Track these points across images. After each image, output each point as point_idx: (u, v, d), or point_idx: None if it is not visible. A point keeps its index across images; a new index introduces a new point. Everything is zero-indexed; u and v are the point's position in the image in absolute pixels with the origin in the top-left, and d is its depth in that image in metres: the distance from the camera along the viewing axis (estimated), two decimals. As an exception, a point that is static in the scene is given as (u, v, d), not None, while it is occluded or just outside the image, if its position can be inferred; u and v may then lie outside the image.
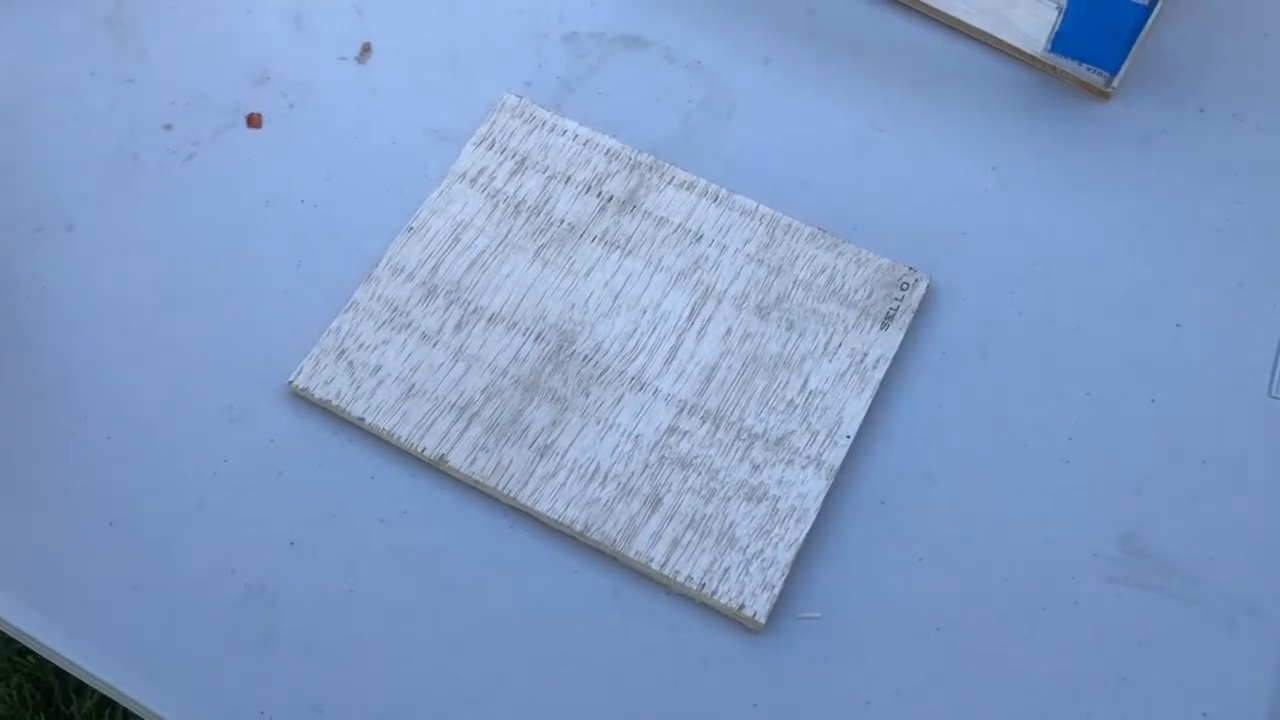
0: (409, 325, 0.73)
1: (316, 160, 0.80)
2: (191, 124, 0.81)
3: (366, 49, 0.85)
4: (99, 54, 0.84)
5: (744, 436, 0.70)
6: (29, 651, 1.23)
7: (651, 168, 0.79)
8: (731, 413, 0.71)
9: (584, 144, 0.80)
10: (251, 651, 0.65)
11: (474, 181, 0.79)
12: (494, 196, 0.78)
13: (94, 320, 0.74)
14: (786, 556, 0.67)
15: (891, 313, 0.74)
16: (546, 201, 0.78)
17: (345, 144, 0.81)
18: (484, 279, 0.75)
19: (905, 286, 0.75)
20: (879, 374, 0.72)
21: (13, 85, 0.83)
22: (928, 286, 0.76)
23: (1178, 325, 0.75)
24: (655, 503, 0.68)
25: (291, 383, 0.72)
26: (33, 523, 0.69)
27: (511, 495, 0.69)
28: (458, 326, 0.74)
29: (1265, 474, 0.71)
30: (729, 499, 0.69)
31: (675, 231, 0.77)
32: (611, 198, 0.78)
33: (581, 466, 0.69)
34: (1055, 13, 0.82)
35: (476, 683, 0.65)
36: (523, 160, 0.79)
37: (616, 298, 0.75)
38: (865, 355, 0.73)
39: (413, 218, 0.77)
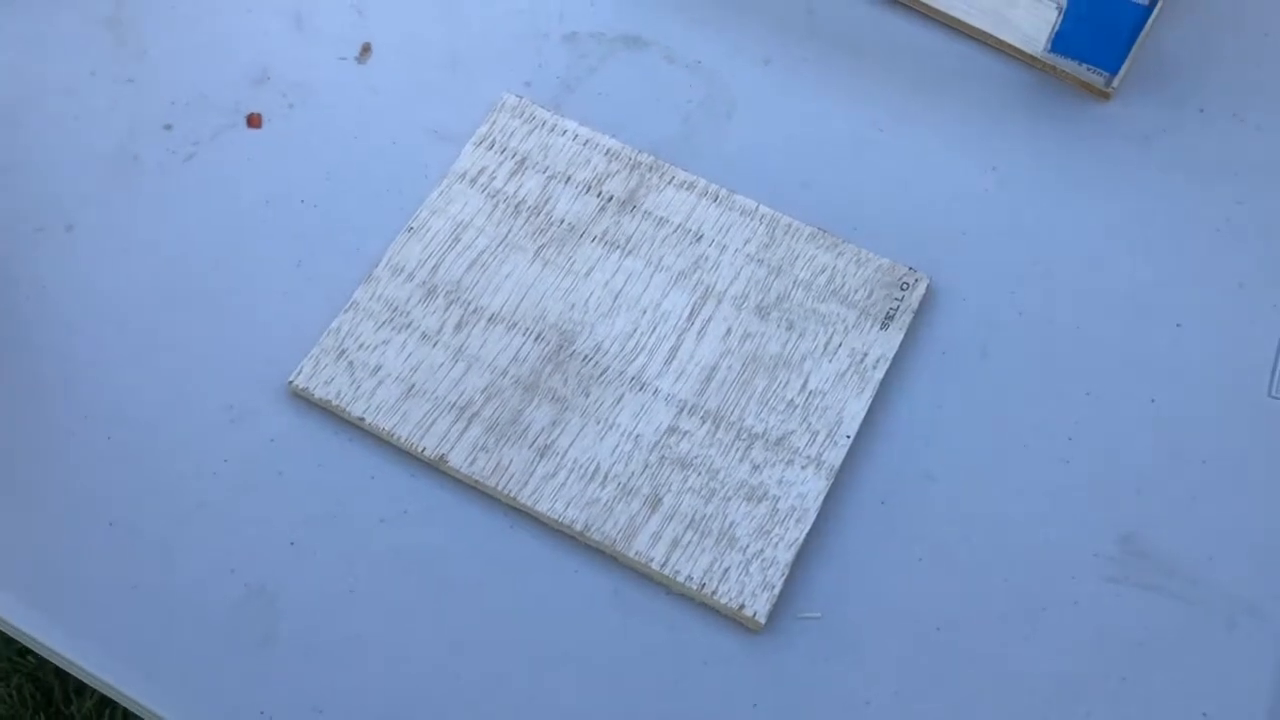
0: (409, 325, 0.73)
1: (316, 160, 0.80)
2: (191, 124, 0.81)
3: (366, 49, 0.85)
4: (99, 54, 0.84)
5: (744, 436, 0.70)
6: (29, 651, 1.23)
7: (651, 168, 0.79)
8: (731, 413, 0.71)
9: (584, 144, 0.80)
10: (251, 651, 0.65)
11: (474, 181, 0.79)
12: (494, 196, 0.78)
13: (94, 320, 0.74)
14: (786, 556, 0.67)
15: (891, 313, 0.74)
16: (546, 201, 0.78)
17: (345, 144, 0.81)
18: (484, 279, 0.75)
19: (905, 286, 0.75)
20: (879, 374, 0.72)
21: (13, 85, 0.83)
22: (928, 286, 0.76)
23: (1178, 325, 0.75)
24: (655, 503, 0.68)
25: (291, 383, 0.72)
26: (33, 522, 0.69)
27: (511, 495, 0.69)
28: (458, 326, 0.74)
29: (1265, 474, 0.71)
30: (729, 499, 0.69)
31: (675, 231, 0.77)
32: (611, 198, 0.78)
33: (581, 466, 0.69)
34: (1055, 13, 0.82)
35: (476, 683, 0.65)
36: (523, 160, 0.79)
37: (616, 298, 0.75)
38: (865, 355, 0.73)
39: (413, 218, 0.77)
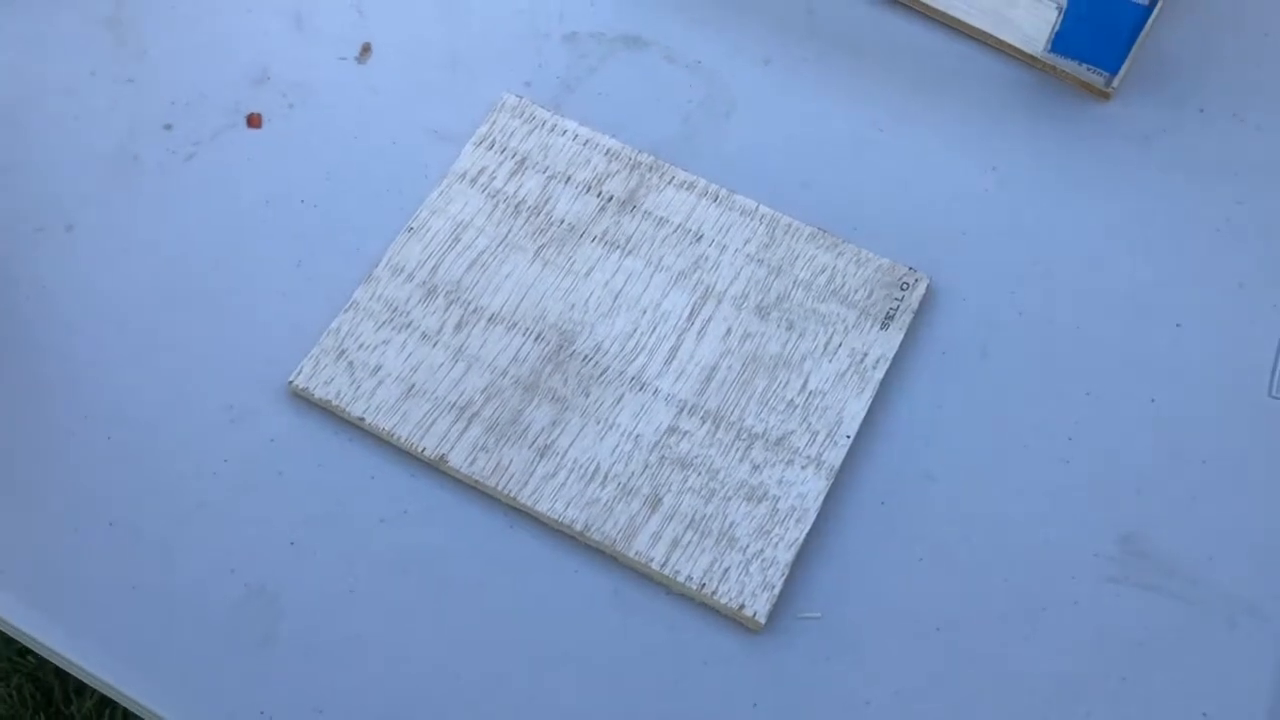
0: (409, 325, 0.73)
1: (316, 160, 0.80)
2: (191, 124, 0.81)
3: (366, 49, 0.85)
4: (99, 54, 0.84)
5: (744, 436, 0.70)
6: (29, 651, 1.24)
7: (651, 168, 0.79)
8: (731, 413, 0.71)
9: (584, 144, 0.80)
10: (251, 651, 0.65)
11: (474, 181, 0.79)
12: (494, 196, 0.78)
13: (94, 320, 0.74)
14: (786, 556, 0.67)
15: (891, 313, 0.74)
16: (546, 201, 0.78)
17: (345, 144, 0.81)
18: (484, 279, 0.75)
19: (905, 286, 0.75)
20: (879, 374, 0.72)
21: (13, 85, 0.83)
22: (928, 286, 0.76)
23: (1178, 325, 0.75)
24: (655, 503, 0.68)
25: (291, 383, 0.72)
26: (33, 522, 0.69)
27: (511, 495, 0.69)
28: (458, 326, 0.74)
29: (1265, 474, 0.71)
30: (729, 499, 0.69)
31: (675, 231, 0.77)
32: (611, 198, 0.78)
33: (581, 466, 0.69)
34: (1055, 13, 0.82)
35: (477, 682, 0.65)
36: (523, 160, 0.79)
37: (616, 298, 0.75)
38: (865, 355, 0.73)
39: (413, 218, 0.77)
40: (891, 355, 0.73)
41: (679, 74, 0.84)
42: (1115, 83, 0.83)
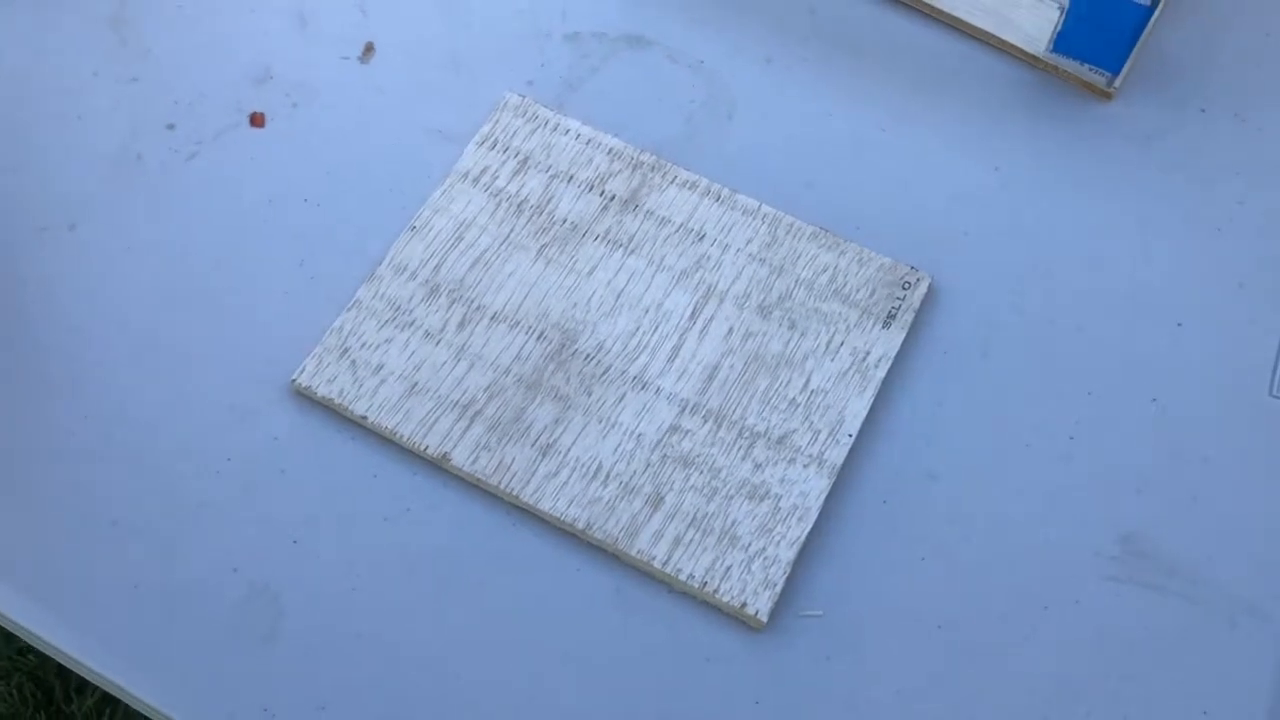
0: (412, 324, 0.74)
1: (319, 159, 0.80)
2: (194, 123, 0.81)
3: (369, 48, 0.85)
4: (102, 54, 0.84)
5: (746, 435, 0.71)
6: (30, 650, 1.24)
7: (654, 167, 0.79)
8: (733, 412, 0.71)
9: (586, 143, 0.80)
10: (254, 649, 0.65)
11: (476, 181, 0.79)
12: (496, 195, 0.78)
13: (97, 319, 0.75)
14: (788, 555, 0.67)
15: (893, 312, 0.74)
16: (549, 201, 0.78)
17: (348, 143, 0.81)
18: (486, 278, 0.75)
19: (907, 286, 0.75)
20: (881, 373, 0.73)
21: (16, 85, 0.83)
22: (929, 286, 0.76)
23: (1178, 325, 0.75)
24: (657, 501, 0.69)
25: (294, 381, 0.72)
26: (36, 521, 0.69)
27: (514, 494, 0.69)
28: (460, 325, 0.74)
29: (1266, 474, 0.71)
30: (731, 497, 0.69)
31: (677, 231, 0.77)
32: (614, 197, 0.78)
33: (584, 465, 0.69)
34: (1057, 13, 0.82)
35: (478, 680, 0.65)
36: (525, 159, 0.80)
37: (619, 297, 0.75)
38: (867, 354, 0.73)
39: (415, 217, 0.77)
40: (893, 354, 0.73)
41: (681, 74, 0.84)
42: (1117, 83, 0.83)
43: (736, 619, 0.67)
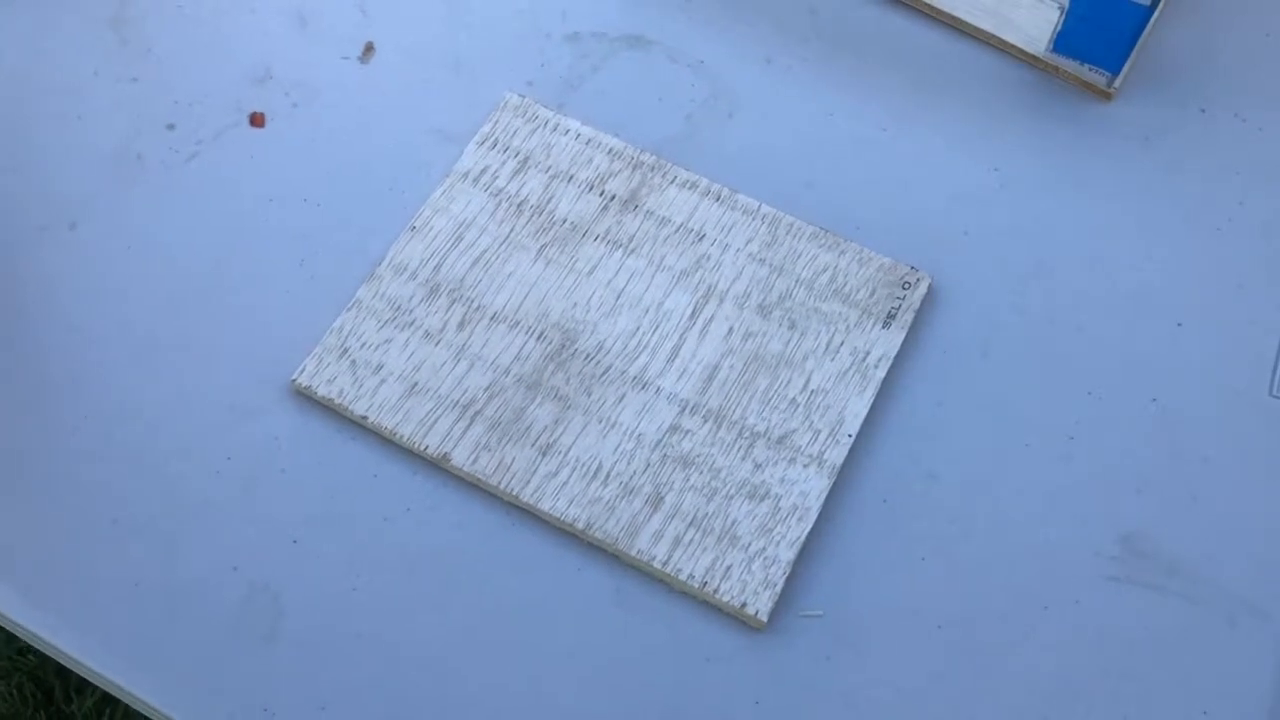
0: (412, 324, 0.74)
1: (319, 159, 0.80)
2: (194, 123, 0.81)
3: (369, 48, 0.85)
4: (102, 53, 0.84)
5: (746, 435, 0.71)
6: (30, 650, 1.24)
7: (654, 167, 0.79)
8: (733, 411, 0.71)
9: (586, 143, 0.80)
10: (254, 649, 0.65)
11: (476, 180, 0.79)
12: (497, 195, 0.78)
13: (97, 318, 0.75)
14: (788, 555, 0.67)
15: (893, 312, 0.75)
16: (549, 201, 0.78)
17: (348, 143, 0.81)
18: (486, 278, 0.75)
19: (907, 286, 0.75)
20: (881, 373, 0.73)
21: (16, 85, 0.83)
22: (929, 286, 0.76)
23: (1179, 325, 0.76)
24: (657, 501, 0.69)
25: (294, 381, 0.72)
26: (36, 520, 0.69)
27: (514, 494, 0.69)
28: (460, 325, 0.74)
29: (1266, 473, 0.71)
30: (731, 497, 0.69)
31: (677, 231, 0.77)
32: (614, 197, 0.78)
33: (584, 465, 0.69)
34: (1057, 13, 0.82)
35: (479, 680, 0.65)
36: (525, 159, 0.80)
37: (619, 297, 0.75)
38: (867, 354, 0.73)
39: (415, 217, 0.77)
40: (893, 354, 0.73)
41: (681, 73, 0.84)
42: (1117, 83, 0.83)
43: (737, 619, 0.67)
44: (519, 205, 0.78)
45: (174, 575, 0.67)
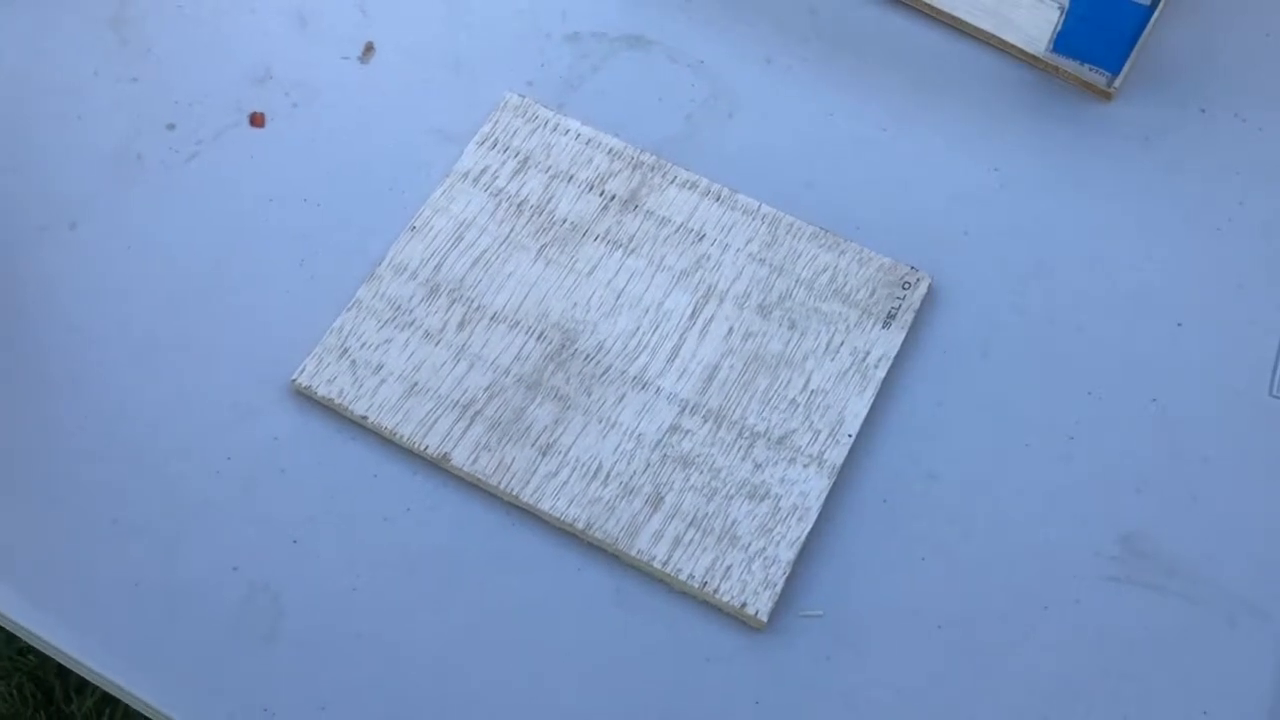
0: (412, 324, 0.74)
1: (319, 159, 0.80)
2: (194, 123, 0.81)
3: (369, 48, 0.85)
4: (102, 53, 0.84)
5: (746, 435, 0.71)
6: (30, 650, 1.24)
7: (654, 167, 0.79)
8: (733, 411, 0.71)
9: (586, 143, 0.80)
10: (254, 649, 0.65)
11: (476, 180, 0.79)
12: (497, 195, 0.78)
13: (97, 318, 0.75)
14: (788, 555, 0.67)
15: (893, 312, 0.75)
16: (549, 201, 0.78)
17: (348, 143, 0.81)
18: (486, 278, 0.75)
19: (907, 286, 0.75)
20: (881, 373, 0.73)
21: (16, 85, 0.83)
22: (929, 286, 0.76)
23: (1179, 325, 0.76)
24: (657, 501, 0.69)
25: (294, 381, 0.72)
26: (36, 520, 0.69)
27: (514, 494, 0.69)
28: (460, 325, 0.74)
29: (1266, 473, 0.71)
30: (731, 497, 0.69)
31: (677, 231, 0.77)
32: (614, 197, 0.78)
33: (584, 465, 0.69)
34: (1057, 13, 0.82)
35: (479, 680, 0.65)
36: (525, 159, 0.80)
37: (619, 297, 0.75)
38: (867, 354, 0.73)
39: (415, 217, 0.77)
40: (893, 354, 0.73)
41: (681, 73, 0.84)
42: (1117, 83, 0.83)
43: (737, 619, 0.67)
44: (519, 205, 0.78)
45: (174, 575, 0.67)
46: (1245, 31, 0.87)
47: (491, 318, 0.74)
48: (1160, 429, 0.72)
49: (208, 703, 0.64)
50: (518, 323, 0.74)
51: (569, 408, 0.71)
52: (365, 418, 0.71)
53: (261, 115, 0.82)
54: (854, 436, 0.71)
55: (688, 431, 0.71)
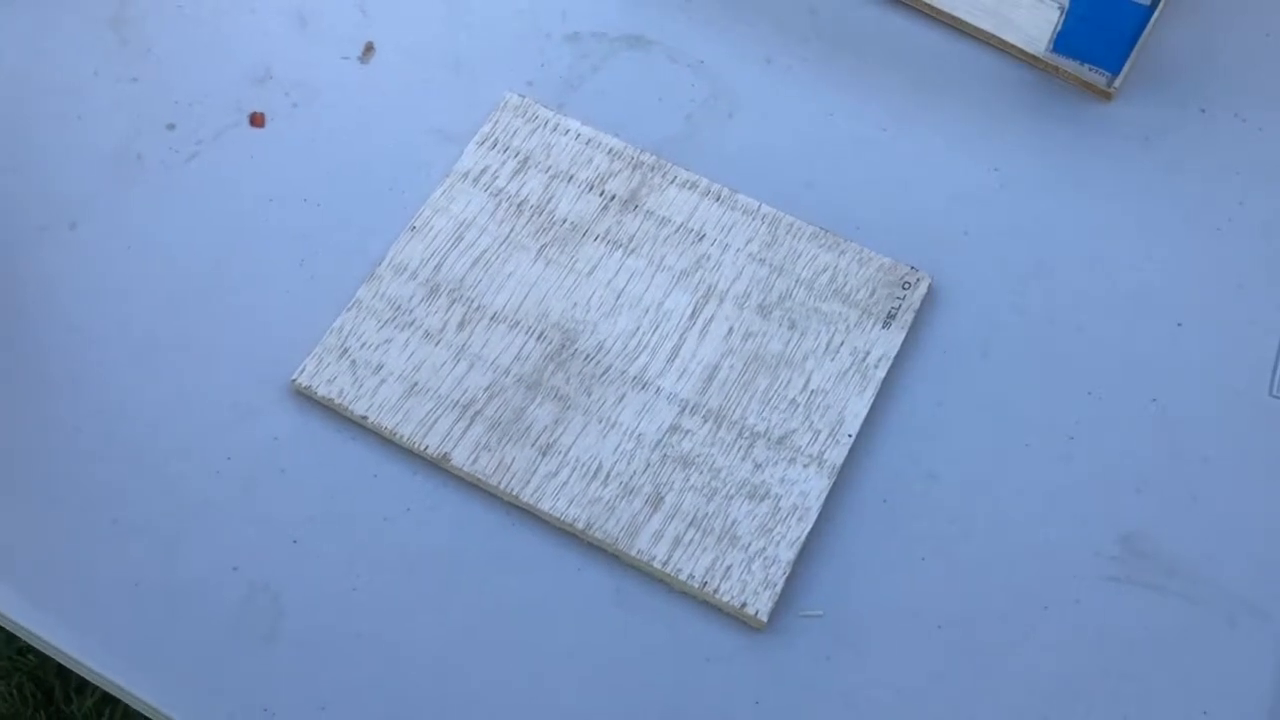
0: (411, 324, 0.74)
1: (319, 159, 0.80)
2: (194, 123, 0.81)
3: (369, 48, 0.85)
4: (102, 53, 0.84)
5: (746, 435, 0.71)
6: (29, 650, 1.24)
7: (654, 167, 0.79)
8: (733, 411, 0.71)
9: (586, 143, 0.80)
10: (254, 649, 0.66)
11: (477, 180, 0.79)
12: (497, 195, 0.78)
13: (97, 318, 0.75)
14: (788, 555, 0.67)
15: (893, 312, 0.75)
16: (549, 201, 0.78)
17: (348, 143, 0.81)
18: (486, 278, 0.75)
19: (907, 286, 0.75)
20: (881, 373, 0.73)
21: (16, 84, 0.83)
22: (929, 286, 0.76)
23: (1178, 325, 0.76)
24: (657, 501, 0.69)
25: (294, 381, 0.72)
26: (36, 520, 0.69)
27: (514, 494, 0.69)
28: (460, 325, 0.74)
29: (1266, 473, 0.71)
30: (731, 497, 0.69)
31: (677, 231, 0.77)
32: (614, 197, 0.78)
33: (584, 465, 0.69)
34: (1057, 13, 0.82)
35: (479, 680, 0.65)
36: (525, 159, 0.80)
37: (619, 297, 0.75)
38: (867, 354, 0.73)
39: (415, 216, 0.77)
40: (893, 354, 0.73)
41: (681, 74, 0.84)
42: (1117, 83, 0.83)
43: (737, 619, 0.67)
44: (519, 205, 0.78)
45: (174, 575, 0.67)
46: (1245, 31, 0.87)
47: (491, 318, 0.74)
48: (1160, 429, 0.72)
49: (208, 702, 0.64)
50: (518, 323, 0.74)
51: (569, 408, 0.71)
52: (365, 418, 0.71)
53: (261, 115, 0.82)
54: (854, 436, 0.71)
55: (688, 431, 0.71)
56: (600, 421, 0.71)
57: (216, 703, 0.64)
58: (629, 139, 0.80)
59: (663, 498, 0.69)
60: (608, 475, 0.69)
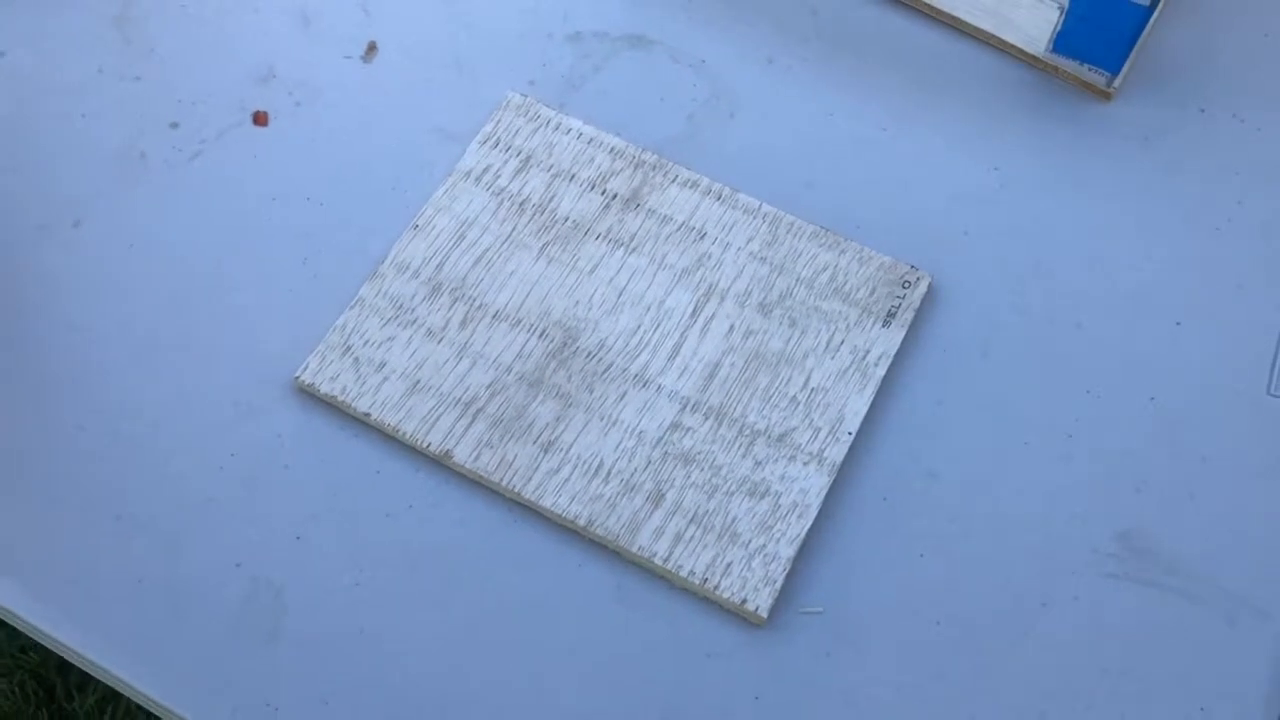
0: (414, 322, 0.74)
1: (322, 158, 0.81)
2: (198, 122, 0.82)
3: (372, 48, 0.85)
4: (106, 52, 0.84)
5: (746, 433, 0.71)
6: (31, 648, 1.24)
7: (655, 166, 0.80)
8: (734, 409, 0.72)
9: (588, 142, 0.80)
10: (258, 645, 0.66)
11: (479, 179, 0.79)
12: (499, 194, 0.78)
13: (100, 316, 0.75)
14: (789, 552, 0.68)
15: (893, 311, 0.75)
16: (551, 199, 0.78)
17: (351, 142, 0.81)
18: (489, 276, 0.76)
19: (907, 285, 0.76)
20: (881, 371, 0.73)
21: (20, 83, 0.83)
22: (929, 285, 0.76)
23: (1178, 324, 0.76)
24: (658, 498, 0.69)
25: (297, 379, 0.72)
26: (40, 517, 0.69)
27: (516, 490, 0.69)
28: (462, 323, 0.74)
29: (1264, 471, 0.71)
30: (731, 495, 0.69)
31: (679, 229, 0.77)
32: (615, 196, 0.79)
33: (585, 462, 0.70)
34: (1057, 13, 0.83)
35: (481, 676, 0.65)
36: (527, 158, 0.80)
37: (620, 295, 0.75)
38: (867, 353, 0.73)
39: (418, 215, 0.78)
40: (893, 353, 0.74)
41: (683, 73, 0.84)
42: (1116, 83, 0.83)
43: (737, 615, 0.67)
44: (521, 204, 0.78)
45: (177, 572, 0.68)
46: (1245, 31, 0.87)
47: (493, 316, 0.74)
48: (1159, 428, 0.72)
49: (211, 698, 0.65)
50: (520, 321, 0.74)
51: (570, 405, 0.71)
52: (368, 415, 0.71)
53: (264, 114, 0.82)
54: (854, 434, 0.71)
55: (688, 429, 0.71)
56: (602, 419, 0.71)
57: (219, 698, 0.65)
58: (630, 138, 0.81)
59: (663, 495, 0.69)
60: (609, 472, 0.69)
